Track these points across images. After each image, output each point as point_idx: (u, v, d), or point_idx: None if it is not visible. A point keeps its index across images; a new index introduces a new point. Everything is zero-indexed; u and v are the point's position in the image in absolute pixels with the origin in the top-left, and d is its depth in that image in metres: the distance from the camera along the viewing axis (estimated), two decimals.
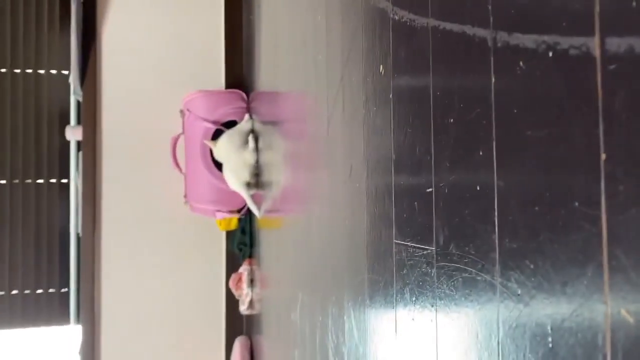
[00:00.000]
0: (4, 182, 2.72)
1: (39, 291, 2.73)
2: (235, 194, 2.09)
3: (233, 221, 2.49)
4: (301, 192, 1.26)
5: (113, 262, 2.58)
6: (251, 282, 2.40)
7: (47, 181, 2.75)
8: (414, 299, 0.56)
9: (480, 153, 0.43)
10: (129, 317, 2.59)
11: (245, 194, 1.85)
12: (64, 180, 2.76)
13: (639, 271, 0.27)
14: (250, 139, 1.85)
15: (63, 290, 2.75)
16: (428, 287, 0.52)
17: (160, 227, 2.61)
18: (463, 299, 0.45)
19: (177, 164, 2.45)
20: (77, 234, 2.70)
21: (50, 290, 2.74)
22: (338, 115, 0.89)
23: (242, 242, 2.54)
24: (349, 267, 0.82)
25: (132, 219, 2.59)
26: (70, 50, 2.56)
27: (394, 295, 0.61)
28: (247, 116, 1.94)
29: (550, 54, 0.34)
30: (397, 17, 0.61)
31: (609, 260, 0.29)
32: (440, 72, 0.50)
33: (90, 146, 2.57)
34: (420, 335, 0.54)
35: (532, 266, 0.36)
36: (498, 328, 0.40)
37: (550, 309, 0.34)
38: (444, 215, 0.49)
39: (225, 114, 2.40)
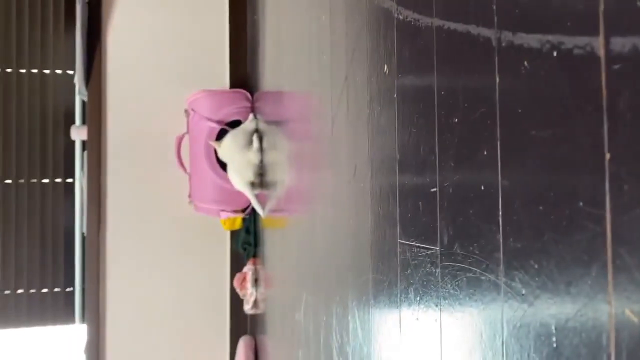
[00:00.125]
0: (9, 181, 2.73)
1: (44, 290, 2.74)
2: (239, 194, 2.09)
3: (237, 221, 2.49)
4: (305, 191, 1.26)
5: (118, 261, 2.59)
6: (255, 281, 2.40)
7: (52, 181, 2.76)
8: (418, 298, 0.56)
9: (485, 153, 0.43)
10: (134, 316, 2.60)
11: (249, 194, 1.86)
12: (69, 180, 2.77)
13: None
14: (255, 138, 1.85)
15: (68, 289, 2.75)
16: (432, 286, 0.52)
17: (164, 226, 2.61)
18: (467, 298, 0.45)
19: (182, 164, 2.45)
20: (82, 234, 2.71)
21: (56, 289, 2.74)
22: (342, 115, 0.89)
23: (247, 242, 2.54)
24: (353, 267, 0.82)
25: (137, 219, 2.60)
26: (75, 50, 2.56)
27: (398, 295, 0.61)
28: (251, 116, 1.95)
29: (555, 53, 0.34)
30: (401, 17, 0.61)
31: (613, 260, 0.29)
32: (445, 71, 0.50)
33: (95, 146, 2.58)
34: (425, 335, 0.54)
35: (536, 266, 0.36)
36: (502, 328, 0.40)
37: (554, 309, 0.34)
38: (448, 215, 0.49)
39: (229, 114, 2.41)
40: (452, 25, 0.48)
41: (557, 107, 0.34)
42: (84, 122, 2.75)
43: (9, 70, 2.74)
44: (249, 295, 2.41)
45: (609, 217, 0.29)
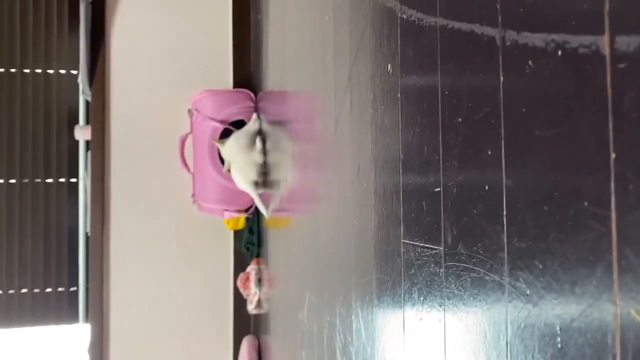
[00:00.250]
0: (13, 181, 2.73)
1: (48, 290, 2.75)
2: (242, 193, 2.09)
3: (241, 220, 2.50)
4: (309, 191, 1.26)
5: (121, 261, 2.59)
6: (259, 281, 2.40)
7: (56, 181, 2.76)
8: (422, 298, 0.55)
9: (489, 152, 0.42)
10: (137, 316, 2.60)
11: (253, 193, 1.86)
12: (73, 180, 2.77)
13: None
14: (258, 140, 1.85)
15: (72, 289, 2.76)
16: (436, 286, 0.52)
17: (168, 226, 2.62)
18: (471, 298, 0.45)
19: (185, 164, 2.46)
20: (86, 233, 2.71)
21: (59, 289, 2.75)
22: (346, 114, 0.89)
23: (250, 242, 2.54)
24: (357, 267, 0.81)
25: (141, 219, 2.60)
26: (79, 50, 2.57)
27: (402, 295, 0.61)
28: (254, 116, 1.95)
29: (560, 52, 0.34)
30: (405, 16, 0.61)
31: (619, 260, 0.29)
32: (449, 71, 0.50)
33: (99, 146, 2.58)
34: (428, 335, 0.54)
35: (541, 266, 0.36)
36: (506, 328, 0.40)
37: (559, 309, 0.34)
38: (452, 215, 0.49)
39: (233, 114, 2.41)
40: (456, 25, 0.48)
41: (561, 107, 0.34)
42: (87, 122, 2.76)
43: (13, 70, 2.75)
44: (252, 295, 2.41)
45: (614, 217, 0.29)
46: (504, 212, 0.40)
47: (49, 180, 2.76)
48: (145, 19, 2.64)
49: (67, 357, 2.87)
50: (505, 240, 0.40)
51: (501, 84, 0.41)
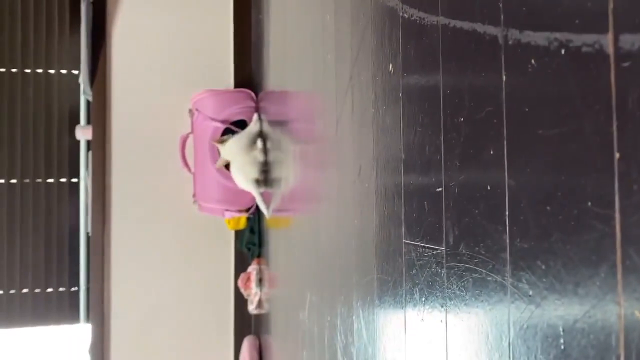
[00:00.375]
0: (14, 181, 2.73)
1: (49, 290, 2.75)
2: (243, 193, 2.09)
3: (242, 220, 2.50)
4: (310, 191, 1.26)
5: (122, 261, 2.59)
6: (260, 281, 2.40)
7: (57, 180, 2.76)
8: (423, 299, 0.55)
9: (491, 152, 0.42)
10: (138, 316, 2.60)
11: (254, 192, 1.86)
12: (74, 180, 2.78)
13: None
14: (259, 139, 1.85)
15: (73, 289, 2.76)
16: (438, 287, 0.52)
17: (169, 226, 2.62)
18: (473, 299, 0.45)
19: (186, 164, 2.45)
20: (87, 233, 2.71)
21: (60, 289, 2.75)
22: (347, 114, 0.89)
23: (251, 242, 2.54)
24: (358, 267, 0.81)
25: (142, 219, 2.60)
26: (80, 50, 2.57)
27: (403, 296, 0.61)
28: (255, 116, 1.95)
29: (563, 51, 0.34)
30: (406, 16, 0.61)
31: (623, 261, 0.29)
32: (450, 70, 0.49)
33: (100, 146, 2.58)
34: (430, 336, 0.54)
35: (543, 267, 0.36)
36: (509, 329, 0.40)
37: (562, 310, 0.34)
38: (453, 215, 0.48)
39: (234, 114, 2.41)
40: (458, 24, 0.48)
41: (565, 106, 0.34)
42: (88, 121, 2.76)
43: (14, 70, 2.75)
44: (253, 295, 2.41)
45: (618, 217, 0.29)
46: (506, 212, 0.40)
47: (50, 180, 2.76)
48: (146, 19, 2.64)
49: (68, 357, 2.87)
50: (507, 241, 0.40)
51: (503, 83, 0.41)
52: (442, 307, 0.51)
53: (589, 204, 0.31)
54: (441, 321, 0.51)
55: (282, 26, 1.76)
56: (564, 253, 0.34)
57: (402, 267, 0.61)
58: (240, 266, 2.61)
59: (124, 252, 2.59)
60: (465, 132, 0.46)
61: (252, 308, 2.42)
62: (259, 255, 2.53)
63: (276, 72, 1.94)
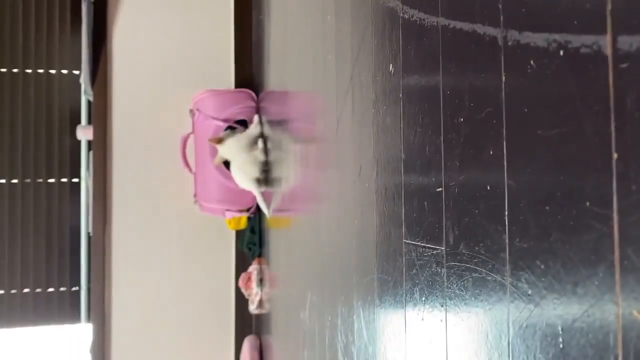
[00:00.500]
0: (15, 181, 2.74)
1: (50, 290, 2.75)
2: (244, 193, 2.09)
3: (242, 220, 2.50)
4: (310, 191, 1.26)
5: (123, 261, 2.60)
6: (260, 281, 2.40)
7: (58, 181, 2.77)
8: (423, 298, 0.55)
9: (491, 152, 0.42)
10: (139, 315, 2.60)
11: (255, 191, 1.86)
12: (75, 180, 2.78)
13: None
14: (260, 141, 1.86)
15: (74, 288, 2.76)
16: (438, 287, 0.52)
17: (170, 226, 2.62)
18: (473, 299, 0.45)
19: (187, 164, 2.46)
20: (88, 233, 2.71)
21: (61, 288, 2.75)
22: (347, 114, 0.89)
23: (252, 242, 2.54)
24: (358, 267, 0.81)
25: (143, 219, 2.60)
26: (81, 50, 2.57)
27: (404, 295, 0.61)
28: (256, 118, 1.95)
29: (562, 52, 0.34)
30: (406, 16, 0.61)
31: (621, 261, 0.29)
32: (450, 71, 0.50)
33: (101, 146, 2.58)
34: (430, 335, 0.54)
35: (542, 266, 0.36)
36: (508, 328, 0.40)
37: (561, 310, 0.34)
38: (453, 215, 0.49)
39: (234, 114, 2.41)
40: (458, 25, 0.48)
41: (563, 107, 0.34)
42: (89, 121, 2.76)
43: (15, 70, 2.75)
44: (254, 295, 2.41)
45: (616, 217, 0.29)
46: (506, 212, 0.40)
47: (51, 180, 2.76)
48: (147, 19, 2.65)
49: (69, 357, 2.87)
50: (507, 241, 0.40)
51: (503, 84, 0.41)
52: (442, 306, 0.51)
53: (588, 204, 0.32)
54: (441, 320, 0.51)
55: (283, 27, 1.76)
56: (563, 253, 0.34)
57: (402, 267, 0.62)
58: (241, 266, 2.61)
59: (125, 252, 2.60)
60: (465, 133, 0.47)
61: (252, 308, 2.42)
62: (259, 255, 2.53)
63: (277, 72, 1.94)
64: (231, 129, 2.11)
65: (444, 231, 0.50)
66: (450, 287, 0.49)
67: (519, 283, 0.38)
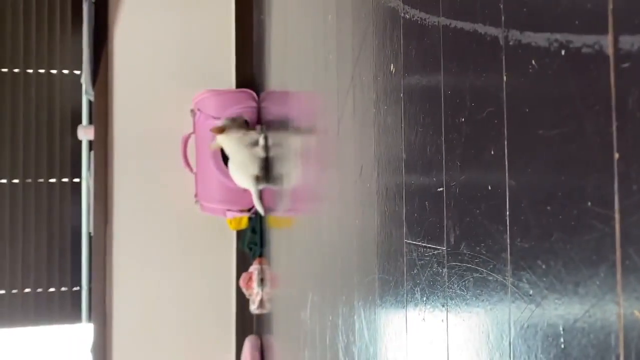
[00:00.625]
0: (16, 181, 2.74)
1: (51, 289, 2.75)
2: (245, 193, 2.09)
3: (243, 220, 2.50)
4: (311, 191, 1.26)
5: (124, 261, 2.60)
6: (261, 281, 2.40)
7: (59, 180, 2.77)
8: (424, 299, 0.55)
9: (492, 152, 0.42)
10: (140, 315, 2.60)
11: (253, 188, 1.86)
12: (76, 180, 2.78)
13: None
14: (261, 138, 1.86)
15: (75, 288, 2.76)
16: (439, 287, 0.52)
17: (171, 226, 2.62)
18: (474, 299, 0.45)
19: (188, 164, 2.46)
20: (89, 233, 2.72)
21: (63, 288, 2.75)
22: (348, 114, 0.89)
23: (253, 242, 2.55)
24: (359, 267, 0.81)
25: (143, 218, 2.61)
26: (82, 50, 2.57)
27: (405, 295, 0.61)
28: (258, 128, 1.95)
29: (563, 52, 0.34)
30: (407, 16, 0.61)
31: (622, 261, 0.29)
32: (452, 70, 0.50)
33: (102, 146, 2.58)
34: (431, 336, 0.54)
35: (544, 266, 0.36)
36: (509, 328, 0.40)
37: (562, 310, 0.34)
38: (455, 215, 0.49)
39: (235, 114, 2.41)
40: (459, 24, 0.48)
41: (565, 107, 0.34)
42: (90, 121, 2.76)
43: (16, 70, 2.76)
44: (255, 295, 2.41)
45: (618, 217, 0.29)
46: (507, 212, 0.40)
47: (52, 180, 2.76)
48: (148, 19, 2.65)
49: (70, 357, 2.87)
50: (508, 241, 0.40)
51: (504, 84, 0.41)
52: (443, 306, 0.51)
53: (589, 204, 0.31)
54: (442, 321, 0.51)
55: (284, 26, 1.76)
56: (565, 253, 0.34)
57: (403, 267, 0.62)
58: (242, 266, 2.61)
59: (126, 251, 2.60)
60: (466, 133, 0.47)
61: (253, 308, 2.42)
62: (260, 255, 2.53)
63: (278, 72, 1.94)
64: (232, 119, 2.08)
65: (445, 231, 0.50)
66: (451, 287, 0.49)
67: (520, 283, 0.38)
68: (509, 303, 0.40)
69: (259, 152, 1.82)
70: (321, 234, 1.14)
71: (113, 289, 2.59)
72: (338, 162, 0.97)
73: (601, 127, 0.31)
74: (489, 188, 0.43)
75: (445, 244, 0.51)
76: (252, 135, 1.95)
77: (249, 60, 2.69)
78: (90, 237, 2.69)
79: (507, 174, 0.40)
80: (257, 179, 1.83)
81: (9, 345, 2.82)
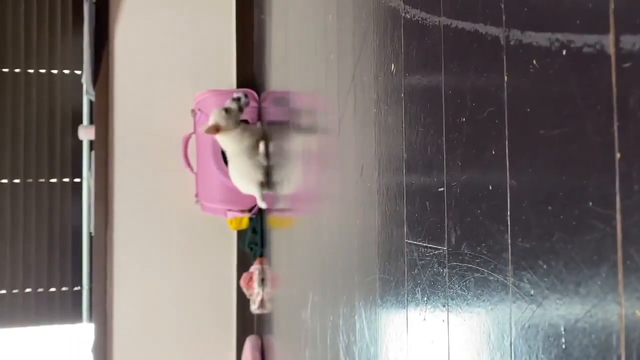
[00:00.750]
0: (17, 181, 2.74)
1: (52, 289, 2.75)
2: (246, 193, 2.09)
3: (244, 220, 2.50)
4: (312, 191, 1.26)
5: (125, 261, 2.60)
6: (262, 281, 2.40)
7: (60, 180, 2.77)
8: (425, 299, 0.55)
9: (493, 152, 0.42)
10: (141, 315, 2.60)
11: (257, 193, 1.86)
12: (77, 180, 2.78)
13: None
14: (261, 144, 1.86)
15: (76, 288, 2.76)
16: (440, 287, 0.52)
17: (171, 226, 2.62)
18: (475, 299, 0.45)
19: (189, 164, 2.46)
20: (90, 233, 2.72)
21: (63, 288, 2.76)
22: (349, 114, 0.89)
23: (253, 242, 2.55)
24: (360, 267, 0.81)
25: (144, 218, 2.61)
26: (82, 50, 2.57)
27: (405, 295, 0.61)
28: (258, 124, 1.95)
29: (564, 52, 0.34)
30: (408, 16, 0.61)
31: (624, 261, 0.29)
32: (452, 70, 0.50)
33: (103, 145, 2.58)
34: (432, 336, 0.54)
35: (545, 266, 0.36)
36: (510, 328, 0.40)
37: (563, 310, 0.34)
38: (455, 215, 0.48)
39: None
40: (460, 24, 0.48)
41: (566, 106, 0.34)
42: (91, 121, 2.76)
43: (17, 70, 2.76)
44: (255, 295, 2.41)
45: (619, 217, 0.29)
46: (508, 212, 0.40)
47: (53, 180, 2.76)
48: (149, 19, 2.65)
49: (70, 356, 2.88)
50: (509, 241, 0.40)
51: (505, 84, 0.41)
52: (444, 306, 0.51)
53: (590, 204, 0.31)
54: (443, 321, 0.51)
55: (285, 26, 1.76)
56: (566, 253, 0.34)
57: (404, 267, 0.62)
58: (243, 266, 2.61)
59: (127, 251, 2.60)
60: (467, 132, 0.47)
61: (254, 308, 2.42)
62: (261, 255, 2.53)
63: (278, 72, 1.94)
64: (226, 111, 1.99)
65: (446, 231, 0.50)
66: (452, 287, 0.49)
67: (521, 283, 0.38)
68: (510, 303, 0.40)
69: (261, 160, 1.83)
70: (322, 234, 1.14)
71: (114, 288, 2.59)
72: (339, 162, 0.97)
73: (602, 127, 0.31)
74: (490, 188, 0.43)
75: (446, 244, 0.50)
76: (252, 129, 1.95)
77: (249, 60, 2.69)
78: (91, 237, 2.70)
79: (508, 174, 0.40)
80: (262, 185, 1.85)
81: (10, 345, 2.82)
